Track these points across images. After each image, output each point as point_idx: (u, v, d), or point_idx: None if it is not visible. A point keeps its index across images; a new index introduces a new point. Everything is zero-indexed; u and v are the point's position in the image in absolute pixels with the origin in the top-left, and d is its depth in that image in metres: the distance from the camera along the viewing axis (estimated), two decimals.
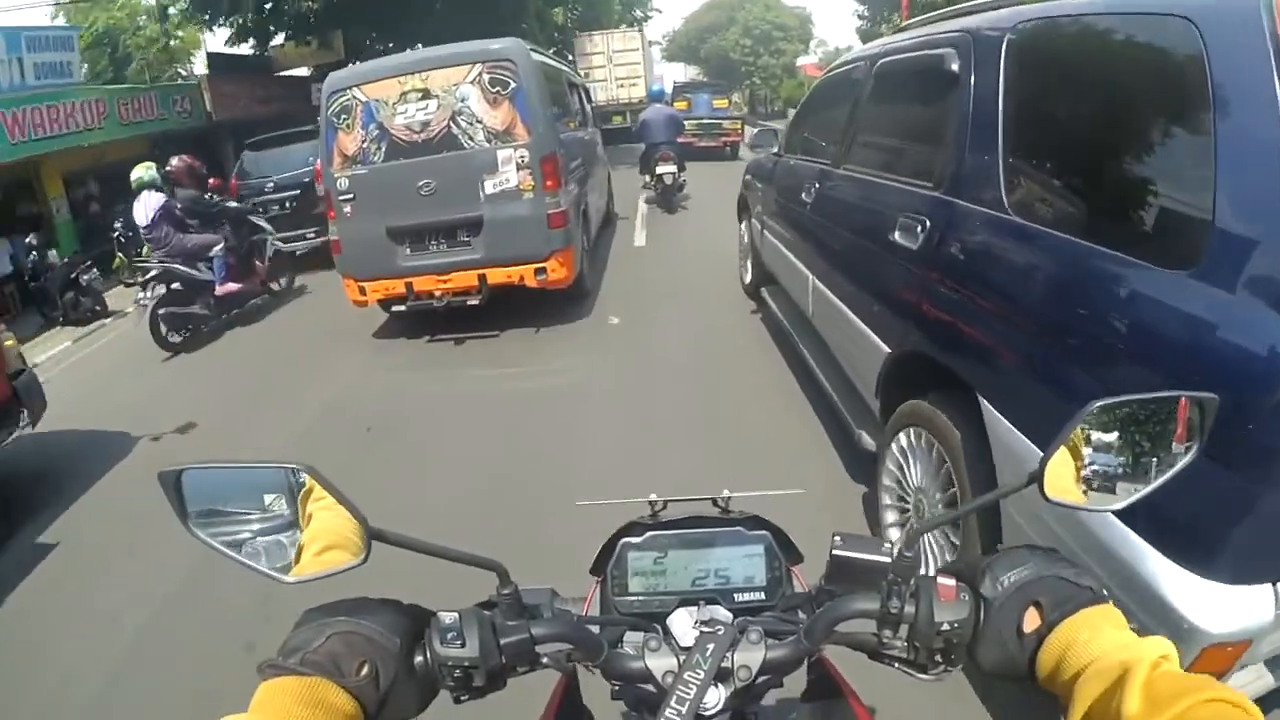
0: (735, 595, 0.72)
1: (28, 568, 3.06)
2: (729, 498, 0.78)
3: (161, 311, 5.69)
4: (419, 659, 0.59)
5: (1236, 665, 1.25)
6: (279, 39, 14.26)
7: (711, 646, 0.62)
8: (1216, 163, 1.20)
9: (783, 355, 4.19)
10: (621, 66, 18.04)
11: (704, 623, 0.66)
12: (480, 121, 4.85)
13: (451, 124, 4.85)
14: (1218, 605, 1.19)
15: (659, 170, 8.89)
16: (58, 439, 4.23)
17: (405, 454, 3.64)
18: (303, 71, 15.81)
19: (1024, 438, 1.56)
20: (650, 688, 0.65)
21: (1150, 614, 1.25)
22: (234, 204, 6.66)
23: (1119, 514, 1.31)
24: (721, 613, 0.68)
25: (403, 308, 5.23)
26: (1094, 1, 1.68)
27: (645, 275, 6.44)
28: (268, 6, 13.01)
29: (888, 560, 0.64)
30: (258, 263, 6.61)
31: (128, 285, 7.92)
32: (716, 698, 0.62)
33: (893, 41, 2.86)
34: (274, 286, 7.03)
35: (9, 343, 3.69)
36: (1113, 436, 0.63)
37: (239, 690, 0.53)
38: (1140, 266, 1.33)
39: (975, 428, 1.77)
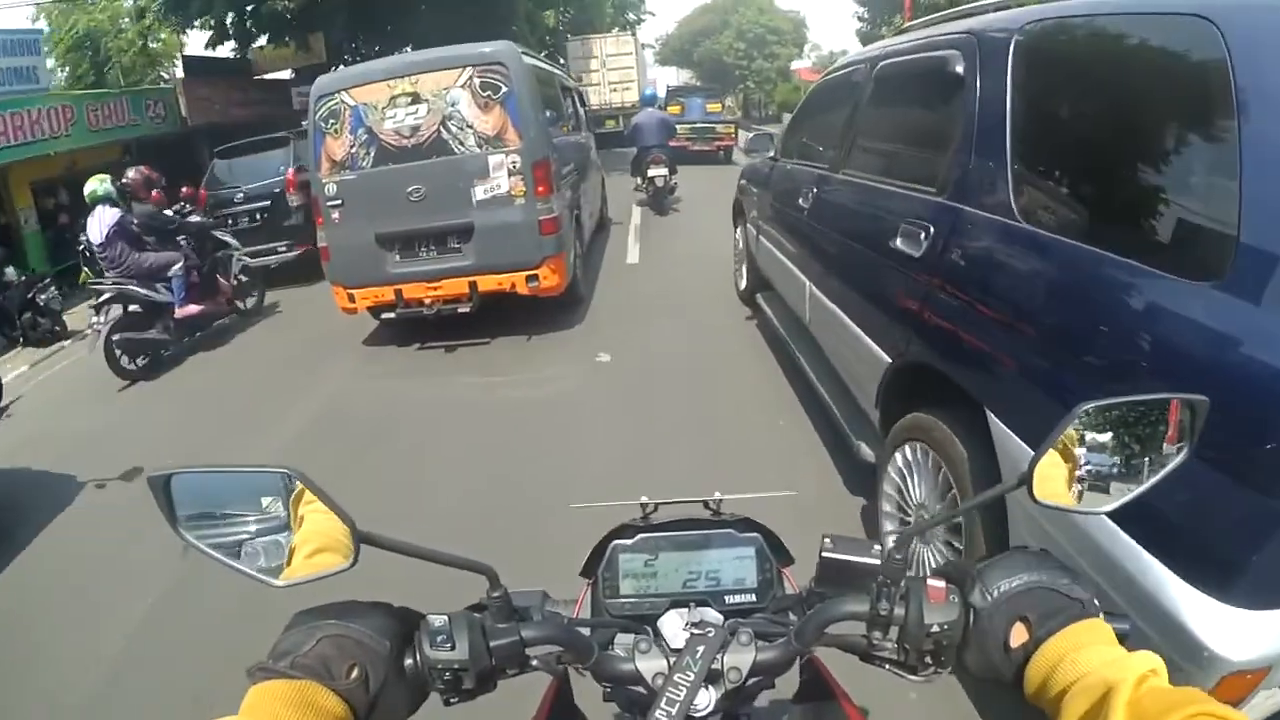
0: (726, 597, 0.73)
1: None
2: (720, 500, 0.79)
3: (116, 337, 5.26)
4: (409, 662, 0.60)
5: (1253, 692, 1.20)
6: (261, 40, 13.72)
7: (702, 648, 0.62)
8: (1241, 169, 1.15)
9: (778, 361, 4.16)
10: (614, 70, 18.05)
11: (694, 624, 0.66)
12: (471, 126, 4.77)
13: (442, 129, 4.78)
14: (1238, 632, 1.15)
15: (650, 173, 8.93)
16: (6, 478, 3.90)
17: (397, 461, 3.58)
18: (284, 75, 15.32)
19: None
20: (641, 689, 0.65)
21: (1169, 640, 1.20)
22: (196, 218, 6.19)
23: (1137, 537, 1.26)
24: (712, 614, 0.68)
25: (392, 315, 5.13)
26: (1106, 1, 1.63)
27: (638, 282, 6.38)
28: (248, 8, 12.69)
29: (877, 562, 0.64)
30: (222, 281, 6.19)
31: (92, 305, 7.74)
32: (707, 699, 0.62)
33: (894, 43, 2.81)
34: (241, 306, 6.56)
35: None
36: (1104, 438, 0.62)
37: None
38: (1161, 277, 1.28)
39: (981, 443, 1.71)
